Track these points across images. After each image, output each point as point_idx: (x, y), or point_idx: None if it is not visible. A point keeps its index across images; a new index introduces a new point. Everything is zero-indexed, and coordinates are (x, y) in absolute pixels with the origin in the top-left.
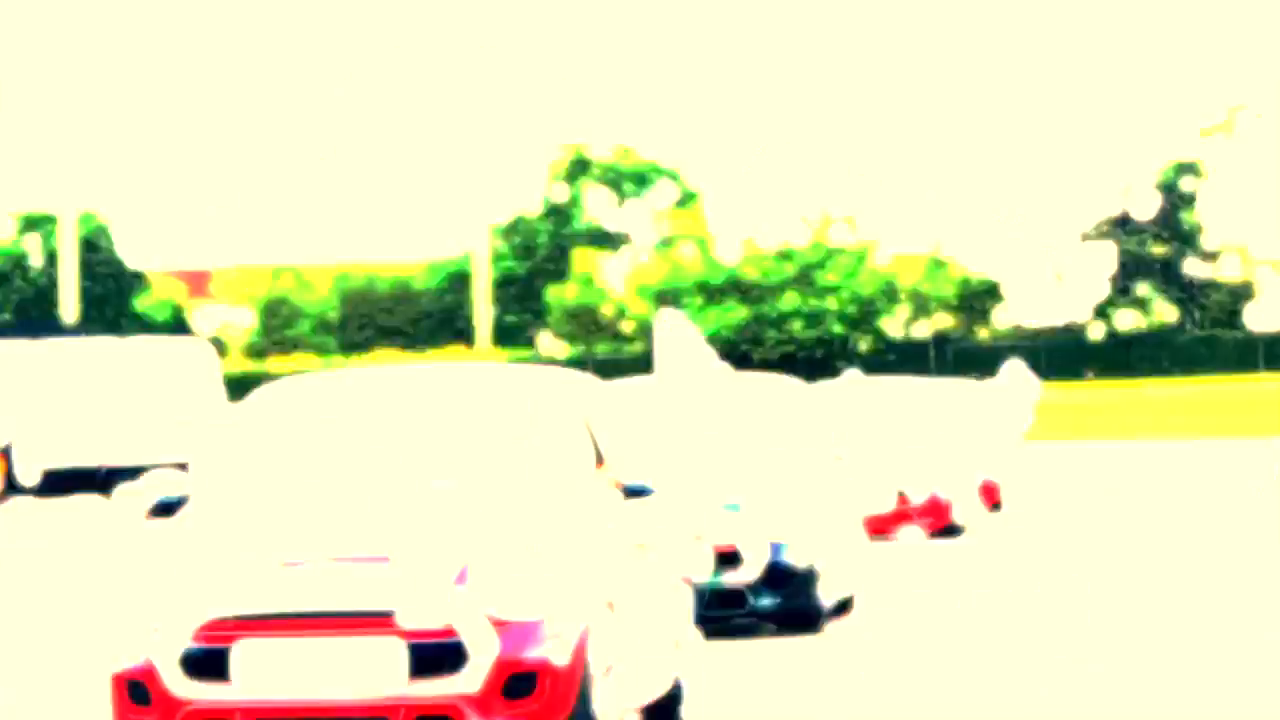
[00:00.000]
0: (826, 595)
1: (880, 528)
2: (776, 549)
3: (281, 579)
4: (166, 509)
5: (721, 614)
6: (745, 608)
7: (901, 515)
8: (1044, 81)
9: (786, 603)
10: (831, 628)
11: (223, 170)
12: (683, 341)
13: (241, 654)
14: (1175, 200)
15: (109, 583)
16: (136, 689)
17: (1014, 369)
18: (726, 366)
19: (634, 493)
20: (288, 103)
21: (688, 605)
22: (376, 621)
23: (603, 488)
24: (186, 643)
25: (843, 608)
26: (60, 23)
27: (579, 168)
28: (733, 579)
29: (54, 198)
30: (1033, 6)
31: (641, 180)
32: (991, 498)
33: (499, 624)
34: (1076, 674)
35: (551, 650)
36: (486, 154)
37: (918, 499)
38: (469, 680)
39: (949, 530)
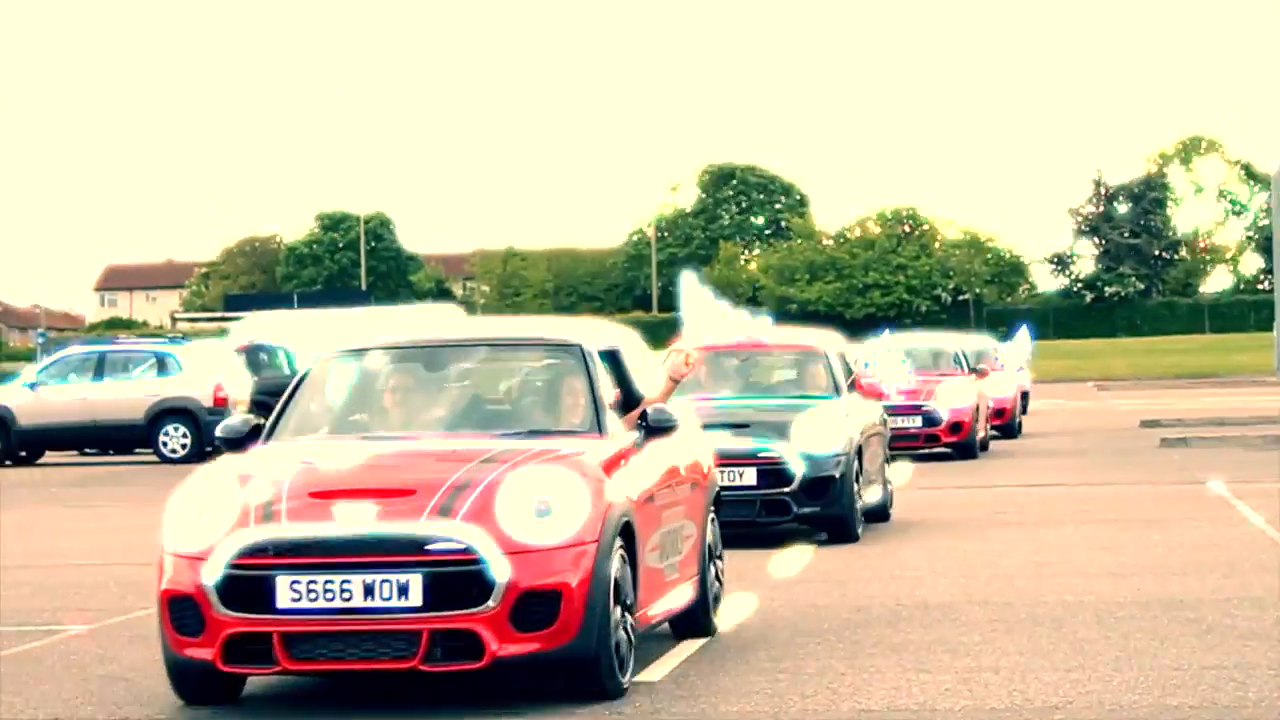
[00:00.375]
0: (862, 502)
1: (911, 445)
2: (815, 461)
3: (316, 510)
4: (237, 441)
5: (770, 521)
6: (790, 515)
7: (929, 435)
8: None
9: (825, 510)
10: (869, 532)
11: (475, 172)
12: (701, 298)
13: (277, 580)
14: (1147, 203)
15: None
16: (184, 609)
17: (1021, 331)
18: (767, 320)
19: (658, 428)
20: (519, 119)
21: (714, 528)
22: (402, 550)
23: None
24: (227, 569)
25: (880, 515)
26: (345, 48)
27: (722, 178)
28: (776, 489)
29: (350, 200)
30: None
31: (766, 188)
32: (1004, 418)
33: (516, 550)
34: (1094, 561)
35: (566, 574)
36: (656, 164)
37: (943, 419)
38: (488, 604)
39: (968, 447)
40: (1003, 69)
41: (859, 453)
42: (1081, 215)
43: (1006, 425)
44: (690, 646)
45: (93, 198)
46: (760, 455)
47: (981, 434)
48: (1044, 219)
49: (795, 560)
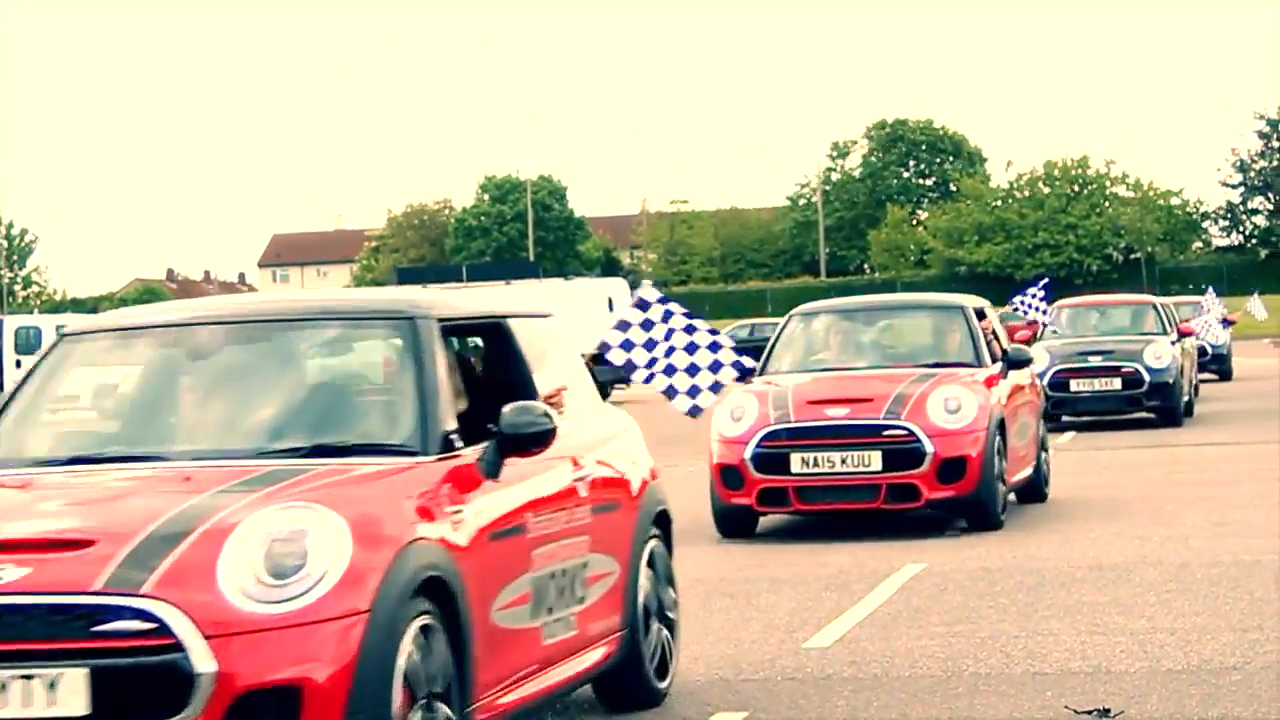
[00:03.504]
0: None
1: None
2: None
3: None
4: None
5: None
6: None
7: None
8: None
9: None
10: (1013, 517)
11: (641, 131)
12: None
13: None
14: None
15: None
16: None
17: (1209, 295)
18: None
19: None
20: (685, 74)
21: None
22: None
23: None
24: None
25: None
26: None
27: (891, 138)
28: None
29: (516, 162)
30: None
31: (935, 147)
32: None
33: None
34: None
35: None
36: (823, 120)
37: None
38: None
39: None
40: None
41: (1001, 427)
42: (1254, 170)
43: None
44: (863, 611)
45: (257, 166)
46: (885, 434)
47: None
48: (1209, 160)
49: (959, 525)
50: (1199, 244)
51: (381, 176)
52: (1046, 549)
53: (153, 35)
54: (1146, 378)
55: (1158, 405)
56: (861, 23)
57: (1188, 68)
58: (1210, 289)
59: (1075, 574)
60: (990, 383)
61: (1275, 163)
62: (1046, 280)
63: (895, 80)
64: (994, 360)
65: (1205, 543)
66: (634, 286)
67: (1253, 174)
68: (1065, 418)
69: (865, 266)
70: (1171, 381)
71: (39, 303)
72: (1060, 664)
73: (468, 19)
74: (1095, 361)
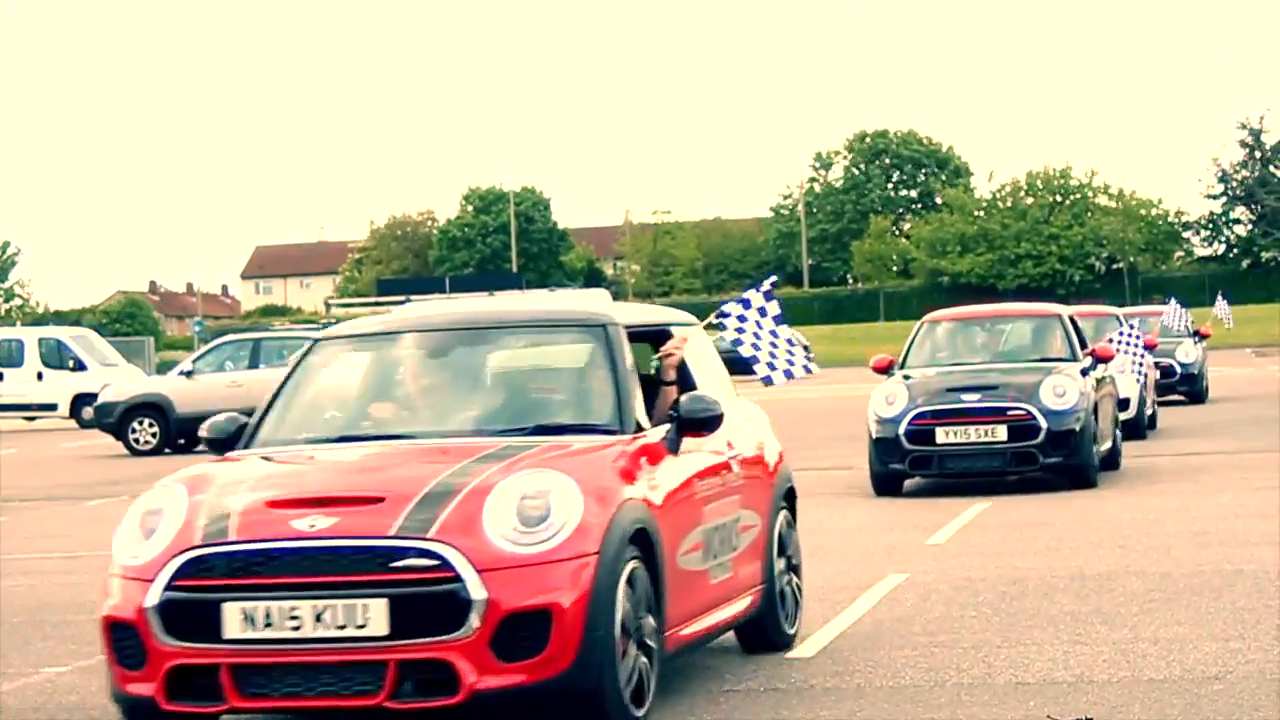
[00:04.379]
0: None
1: None
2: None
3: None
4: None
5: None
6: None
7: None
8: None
9: (1067, 460)
10: (993, 529)
11: (622, 142)
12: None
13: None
14: None
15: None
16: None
17: (1172, 305)
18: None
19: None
20: (664, 84)
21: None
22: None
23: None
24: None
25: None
26: (493, 21)
27: (874, 150)
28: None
29: (499, 173)
30: None
31: (918, 161)
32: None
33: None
34: None
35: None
36: (804, 130)
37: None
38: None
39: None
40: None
41: (1094, 410)
42: (1236, 180)
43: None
44: (845, 621)
45: (240, 178)
46: (1009, 413)
47: (1107, 443)
48: (1191, 169)
49: (947, 533)
50: (1181, 254)
51: (364, 188)
52: (1028, 559)
53: (136, 48)
54: (1043, 423)
55: (1060, 462)
56: (844, 33)
57: (1169, 77)
58: (1173, 299)
59: (1057, 584)
60: (630, 463)
61: (1257, 173)
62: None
63: (878, 90)
64: (684, 420)
65: (1187, 552)
66: (616, 297)
67: (1234, 184)
68: (923, 477)
69: (849, 277)
70: (1077, 428)
71: (21, 315)
72: (1043, 674)
73: (451, 31)
74: (970, 401)
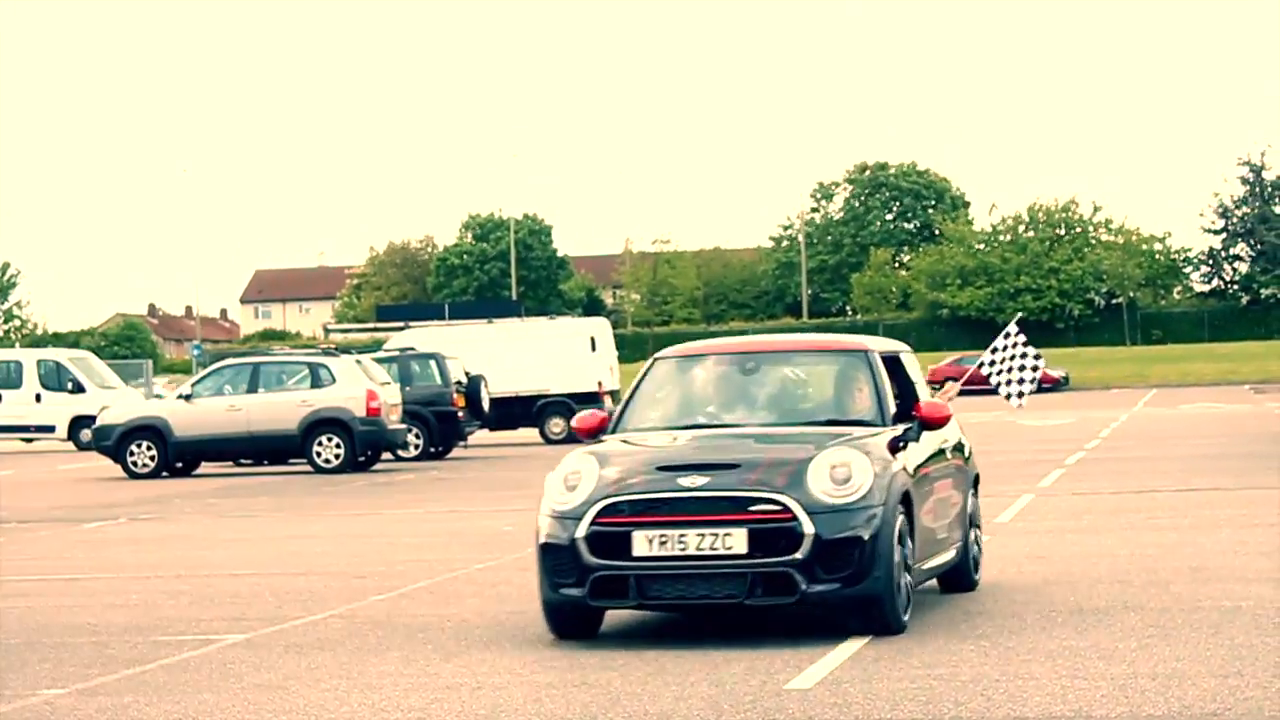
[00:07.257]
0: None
1: None
2: (831, 516)
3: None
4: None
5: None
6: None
7: None
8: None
9: (848, 586)
10: (1017, 532)
11: (623, 170)
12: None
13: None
14: None
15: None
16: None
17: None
18: None
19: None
20: (667, 113)
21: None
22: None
23: None
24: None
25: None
26: (496, 49)
27: (874, 183)
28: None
29: (499, 200)
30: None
31: (918, 193)
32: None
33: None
34: None
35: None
36: (803, 168)
37: None
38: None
39: None
40: (1154, 51)
41: (906, 500)
42: (1237, 216)
43: None
44: (845, 652)
45: (240, 202)
46: (753, 507)
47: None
48: (1192, 204)
49: None
50: (1180, 289)
51: (364, 214)
52: (1027, 593)
53: (137, 72)
54: (808, 527)
55: (835, 590)
56: (846, 64)
57: (1171, 113)
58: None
59: (1056, 618)
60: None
61: (1258, 209)
62: (1020, 316)
63: (879, 122)
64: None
65: (1185, 587)
66: (616, 327)
67: (1235, 220)
68: (612, 609)
69: (848, 308)
70: (866, 535)
71: (20, 336)
72: (1041, 708)
73: (453, 58)
74: (690, 488)
